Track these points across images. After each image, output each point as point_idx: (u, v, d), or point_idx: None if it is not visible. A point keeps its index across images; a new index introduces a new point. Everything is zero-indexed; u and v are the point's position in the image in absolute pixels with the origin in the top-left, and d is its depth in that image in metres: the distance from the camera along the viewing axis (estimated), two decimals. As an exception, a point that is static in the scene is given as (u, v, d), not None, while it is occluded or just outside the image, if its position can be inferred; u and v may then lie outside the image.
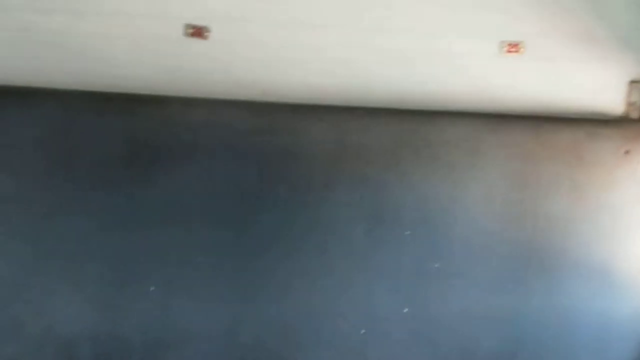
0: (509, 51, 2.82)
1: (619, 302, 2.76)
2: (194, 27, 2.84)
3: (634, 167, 2.72)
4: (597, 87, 2.86)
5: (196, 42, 2.85)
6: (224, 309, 2.75)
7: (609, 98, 2.86)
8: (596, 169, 2.73)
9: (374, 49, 2.83)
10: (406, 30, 2.87)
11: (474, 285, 2.74)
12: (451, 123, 2.77)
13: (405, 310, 2.75)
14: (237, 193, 2.73)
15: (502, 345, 2.75)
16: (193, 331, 2.74)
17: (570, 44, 2.84)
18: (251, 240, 2.73)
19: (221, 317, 2.75)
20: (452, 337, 2.73)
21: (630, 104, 2.85)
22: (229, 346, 2.76)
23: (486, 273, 2.75)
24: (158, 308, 2.74)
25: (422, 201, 2.75)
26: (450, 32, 2.83)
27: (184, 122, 2.78)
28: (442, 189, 2.76)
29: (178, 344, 2.74)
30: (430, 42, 2.82)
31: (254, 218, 2.74)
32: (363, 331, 2.74)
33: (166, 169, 2.74)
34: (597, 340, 2.78)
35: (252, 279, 2.75)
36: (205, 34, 2.85)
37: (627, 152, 2.72)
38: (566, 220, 2.73)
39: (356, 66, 2.85)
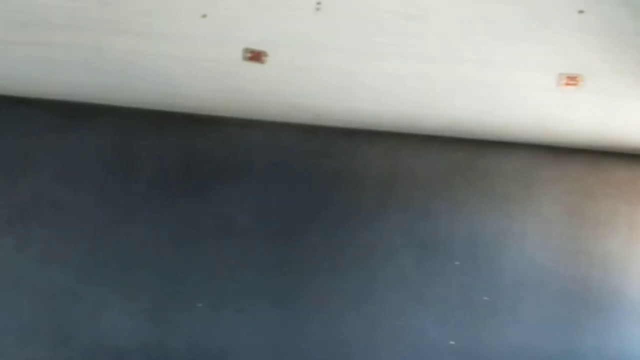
0: (568, 84, 2.78)
1: (677, 348, 2.64)
2: (252, 51, 2.91)
3: (697, 207, 2.62)
4: (658, 123, 2.78)
5: (254, 66, 2.92)
6: (270, 328, 2.77)
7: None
8: (656, 207, 2.64)
9: (430, 77, 2.83)
10: (464, 59, 2.86)
11: (523, 321, 2.67)
12: (506, 153, 2.75)
13: (452, 342, 2.70)
14: (288, 213, 2.77)
15: (551, 385, 2.66)
16: (238, 348, 2.76)
17: (629, 79, 2.78)
18: (300, 260, 2.76)
19: (267, 336, 2.77)
20: (499, 373, 2.66)
21: (691, 141, 2.76)
22: (272, 363, 2.76)
23: (537, 310, 2.68)
24: (205, 322, 2.78)
25: (473, 231, 2.72)
26: (508, 63, 2.80)
27: (240, 142, 2.85)
28: (495, 220, 2.72)
29: (223, 357, 2.76)
30: (488, 71, 2.81)
31: (305, 239, 2.77)
32: (408, 361, 2.70)
33: (221, 187, 2.81)
34: (652, 385, 2.66)
35: (299, 300, 2.76)
36: (263, 58, 2.93)
37: (689, 190, 2.62)
38: (623, 259, 2.64)
39: (413, 94, 2.85)
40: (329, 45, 2.84)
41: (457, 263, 2.70)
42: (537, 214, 2.69)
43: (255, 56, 2.95)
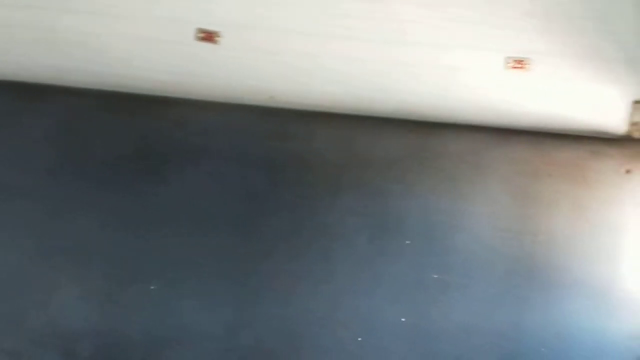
0: (515, 67, 2.85)
1: (617, 321, 2.76)
2: (204, 31, 2.89)
3: (635, 187, 2.73)
4: (601, 106, 2.89)
5: (207, 47, 2.90)
6: (226, 310, 2.78)
7: (613, 117, 2.89)
8: (598, 187, 2.74)
9: (382, 60, 2.87)
10: (414, 42, 2.91)
11: (472, 298, 2.75)
12: (456, 136, 2.81)
13: (403, 319, 2.77)
14: (243, 196, 2.77)
15: (498, 358, 2.75)
16: (194, 330, 2.77)
17: (576, 63, 2.87)
18: (255, 243, 2.77)
19: (222, 318, 2.78)
20: (448, 349, 2.74)
21: (633, 124, 2.87)
22: (228, 347, 2.78)
23: (485, 286, 2.76)
24: (160, 306, 2.77)
25: (424, 212, 2.78)
26: (457, 46, 2.86)
27: (195, 124, 2.83)
28: (445, 200, 2.79)
29: (178, 342, 2.77)
30: (438, 54, 2.86)
31: (259, 221, 2.78)
32: (360, 339, 2.76)
33: (174, 170, 2.79)
34: (594, 358, 2.78)
35: (255, 282, 2.78)
36: (216, 38, 2.91)
37: (628, 171, 2.74)
38: (567, 238, 2.74)
39: (365, 76, 2.89)
40: (284, 27, 2.84)
41: (408, 242, 2.76)
42: (486, 194, 2.77)
43: (208, 37, 2.93)
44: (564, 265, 2.76)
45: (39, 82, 2.88)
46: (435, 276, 2.76)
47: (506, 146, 2.79)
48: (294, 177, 2.77)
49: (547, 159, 2.76)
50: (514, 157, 2.78)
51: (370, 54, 2.83)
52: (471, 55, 2.91)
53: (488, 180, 2.77)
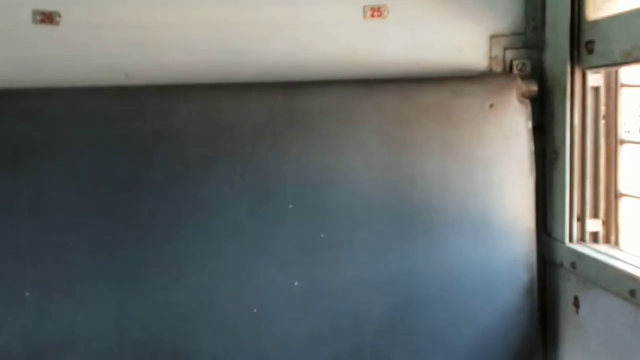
0: (373, 15, 2.84)
1: (499, 250, 2.87)
2: (42, 12, 2.67)
3: (499, 120, 2.81)
4: (460, 45, 2.94)
5: (47, 29, 2.68)
6: (108, 306, 2.63)
7: (474, 54, 2.95)
8: (464, 125, 2.80)
9: (237, 23, 2.77)
10: (271, 2, 2.83)
11: (359, 251, 2.76)
12: (322, 92, 2.76)
13: (296, 283, 2.74)
14: (108, 183, 2.61)
15: (393, 305, 2.79)
16: (78, 334, 2.61)
17: (431, 4, 2.90)
18: (129, 230, 2.63)
19: (106, 315, 2.64)
20: (342, 306, 2.75)
21: (492, 59, 2.95)
22: (118, 344, 2.65)
23: (371, 238, 2.78)
24: (37, 313, 2.59)
25: (301, 173, 2.74)
26: (315, 2, 2.82)
27: (43, 114, 2.61)
28: (321, 159, 2.75)
29: (63, 348, 2.60)
30: (294, 11, 2.80)
31: (131, 206, 2.63)
32: (255, 310, 2.71)
33: (28, 166, 2.57)
34: (483, 286, 2.87)
35: (134, 270, 2.64)
36: (56, 19, 2.69)
37: (491, 105, 2.80)
38: (441, 178, 2.79)
39: (221, 42, 2.78)
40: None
41: (290, 206, 2.72)
42: (360, 147, 2.76)
43: (47, 18, 2.71)
44: (442, 205, 2.81)
45: None
46: (322, 235, 2.75)
47: (374, 97, 2.78)
48: (160, 156, 2.63)
49: (414, 105, 2.78)
50: (383, 107, 2.78)
51: (221, 18, 2.73)
52: (330, 9, 2.88)
53: (359, 133, 2.75)
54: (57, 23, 2.69)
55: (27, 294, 2.59)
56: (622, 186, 2.75)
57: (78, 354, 2.61)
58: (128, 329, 2.65)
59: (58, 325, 2.60)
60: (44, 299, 2.59)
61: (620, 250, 2.70)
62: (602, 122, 2.73)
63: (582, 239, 2.79)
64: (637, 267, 2.39)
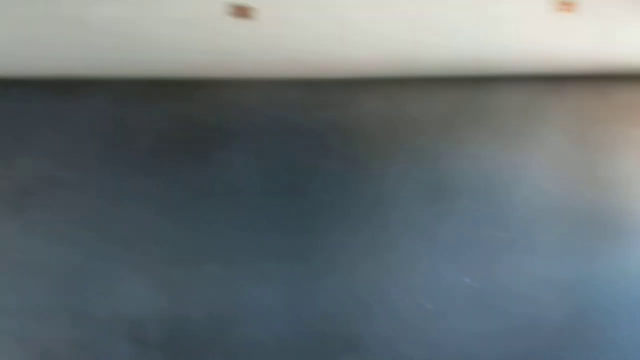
0: (561, 10, 2.72)
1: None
2: (236, 6, 2.83)
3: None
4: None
5: (240, 22, 2.85)
6: (288, 285, 2.77)
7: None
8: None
9: (423, 19, 2.78)
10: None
11: (538, 253, 2.68)
12: (506, 88, 2.71)
13: (467, 280, 2.71)
14: (293, 170, 2.74)
15: (570, 311, 2.68)
16: (257, 307, 2.76)
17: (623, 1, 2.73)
18: (309, 216, 2.74)
19: (285, 293, 2.77)
20: (518, 307, 2.68)
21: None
22: (293, 321, 2.77)
23: (551, 240, 2.68)
24: (221, 286, 2.77)
25: (481, 169, 2.70)
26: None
27: (235, 103, 2.79)
28: (502, 155, 2.70)
29: (242, 320, 2.77)
30: (479, 6, 2.75)
31: (312, 194, 2.75)
32: (430, 306, 2.71)
33: (221, 151, 2.77)
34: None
35: (310, 255, 2.76)
36: (251, 13, 2.85)
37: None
38: (632, 182, 2.63)
39: (407, 36, 2.80)
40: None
41: (467, 202, 2.69)
42: (545, 145, 2.67)
43: (241, 11, 2.87)
44: (630, 211, 2.65)
45: (71, 76, 2.87)
46: (499, 234, 2.69)
47: (560, 93, 2.69)
48: (343, 148, 2.72)
49: (607, 103, 2.65)
50: (570, 104, 2.67)
51: (407, 14, 2.74)
52: (515, 3, 2.80)
53: (544, 131, 2.67)
54: (251, 17, 2.84)
55: (211, 268, 2.78)
56: None
57: (255, 326, 2.76)
58: (303, 309, 2.76)
59: (239, 298, 2.76)
60: (226, 273, 2.77)
61: None
62: None
63: None
64: None
